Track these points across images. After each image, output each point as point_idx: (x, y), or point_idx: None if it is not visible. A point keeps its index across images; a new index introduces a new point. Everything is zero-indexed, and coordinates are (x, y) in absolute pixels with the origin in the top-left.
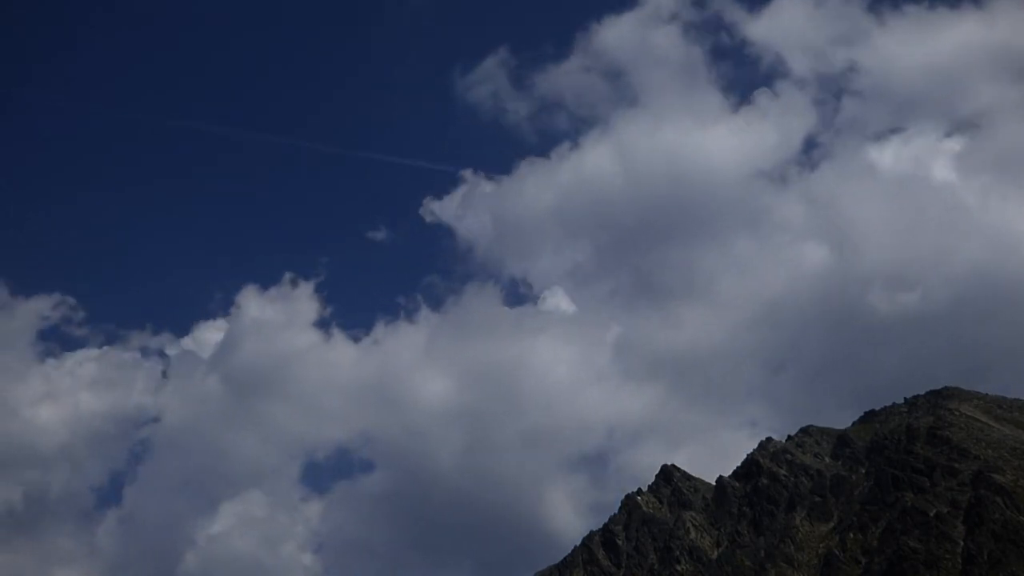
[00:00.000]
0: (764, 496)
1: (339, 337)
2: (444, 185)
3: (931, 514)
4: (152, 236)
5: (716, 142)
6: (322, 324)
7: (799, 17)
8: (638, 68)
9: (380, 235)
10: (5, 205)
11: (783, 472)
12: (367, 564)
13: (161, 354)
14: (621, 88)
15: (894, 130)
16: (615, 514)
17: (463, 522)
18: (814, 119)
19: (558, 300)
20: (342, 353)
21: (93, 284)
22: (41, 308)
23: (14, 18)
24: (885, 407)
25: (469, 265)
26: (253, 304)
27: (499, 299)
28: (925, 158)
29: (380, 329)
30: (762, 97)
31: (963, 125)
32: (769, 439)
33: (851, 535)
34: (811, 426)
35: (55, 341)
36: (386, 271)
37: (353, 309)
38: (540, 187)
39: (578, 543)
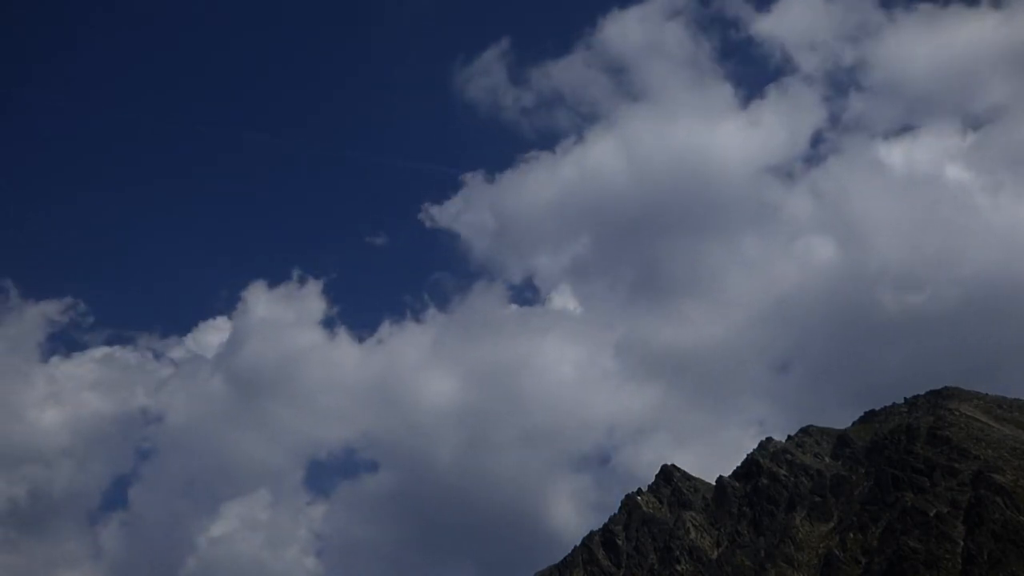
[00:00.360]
0: (764, 496)
1: (345, 336)
2: (447, 185)
3: (931, 514)
4: (153, 236)
5: (723, 138)
6: (328, 323)
7: (808, 13)
8: (644, 63)
9: (383, 236)
10: (5, 205)
11: (783, 472)
12: (370, 564)
13: (165, 354)
14: (626, 84)
15: (904, 128)
16: (615, 514)
17: (466, 522)
18: (823, 116)
19: (563, 298)
20: (347, 352)
21: (95, 284)
22: (47, 311)
23: (14, 18)
24: (885, 407)
25: (474, 264)
26: (257, 303)
27: (505, 297)
28: (935, 156)
29: (386, 328)
30: (770, 93)
31: (975, 123)
32: (769, 439)
33: (851, 535)
34: (811, 426)
35: (60, 342)
36: (390, 271)
37: (360, 308)
38: (542, 184)
39: (578, 543)
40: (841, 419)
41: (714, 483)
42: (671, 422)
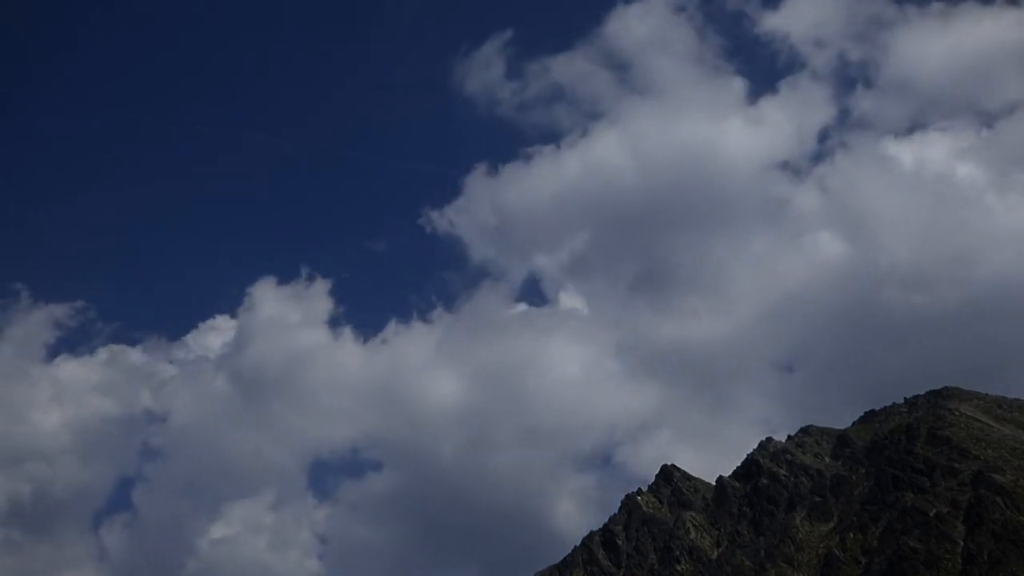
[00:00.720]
0: (764, 496)
1: (349, 336)
2: (447, 186)
3: (931, 514)
4: (153, 236)
5: (730, 134)
6: (334, 322)
7: (817, 9)
8: (649, 59)
9: (383, 238)
10: (6, 205)
11: (783, 472)
12: (373, 565)
13: (168, 354)
14: (630, 79)
15: (915, 125)
16: (615, 514)
17: (469, 522)
18: (832, 112)
19: (567, 297)
20: (352, 352)
21: (96, 284)
22: (55, 313)
23: (14, 18)
24: (885, 407)
25: (476, 264)
26: (264, 301)
27: (510, 296)
28: (946, 154)
29: (392, 328)
30: (778, 89)
31: (988, 121)
32: (769, 439)
33: (851, 535)
34: (811, 426)
35: (63, 343)
36: (392, 272)
37: (365, 308)
38: (545, 179)
39: (578, 543)
40: (845, 419)
41: (714, 483)
42: (674, 421)
